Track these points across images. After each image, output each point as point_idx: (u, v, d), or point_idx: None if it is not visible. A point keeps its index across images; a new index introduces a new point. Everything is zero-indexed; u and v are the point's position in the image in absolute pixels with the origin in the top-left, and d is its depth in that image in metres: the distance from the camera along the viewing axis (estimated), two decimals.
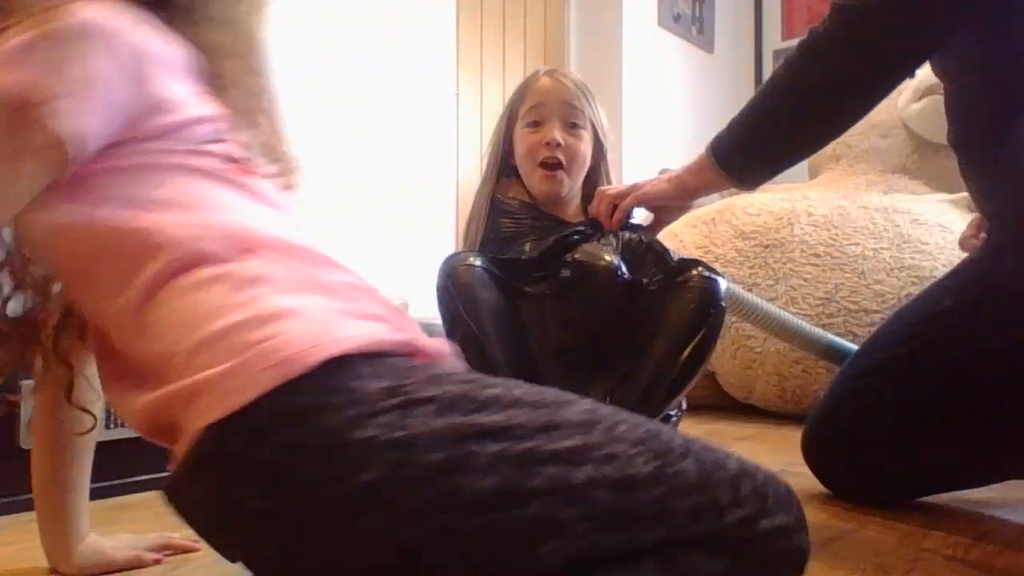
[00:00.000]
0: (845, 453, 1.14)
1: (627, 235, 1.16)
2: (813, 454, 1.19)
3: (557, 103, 1.18)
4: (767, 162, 1.11)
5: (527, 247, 1.16)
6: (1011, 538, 1.00)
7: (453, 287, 1.09)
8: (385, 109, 2.57)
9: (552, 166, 1.18)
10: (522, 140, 1.20)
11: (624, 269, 1.11)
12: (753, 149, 1.11)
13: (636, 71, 3.60)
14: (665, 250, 1.17)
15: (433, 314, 1.97)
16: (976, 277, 1.03)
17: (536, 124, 1.19)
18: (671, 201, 1.18)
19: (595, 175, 1.25)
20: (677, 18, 3.92)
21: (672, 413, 1.19)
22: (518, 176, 1.23)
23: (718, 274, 1.12)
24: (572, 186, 1.21)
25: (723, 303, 1.10)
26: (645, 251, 1.16)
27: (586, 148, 1.20)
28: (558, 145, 1.17)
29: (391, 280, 2.23)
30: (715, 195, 2.59)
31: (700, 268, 1.11)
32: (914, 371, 1.05)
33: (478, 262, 1.10)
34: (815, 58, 1.03)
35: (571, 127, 1.19)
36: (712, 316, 1.09)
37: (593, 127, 1.21)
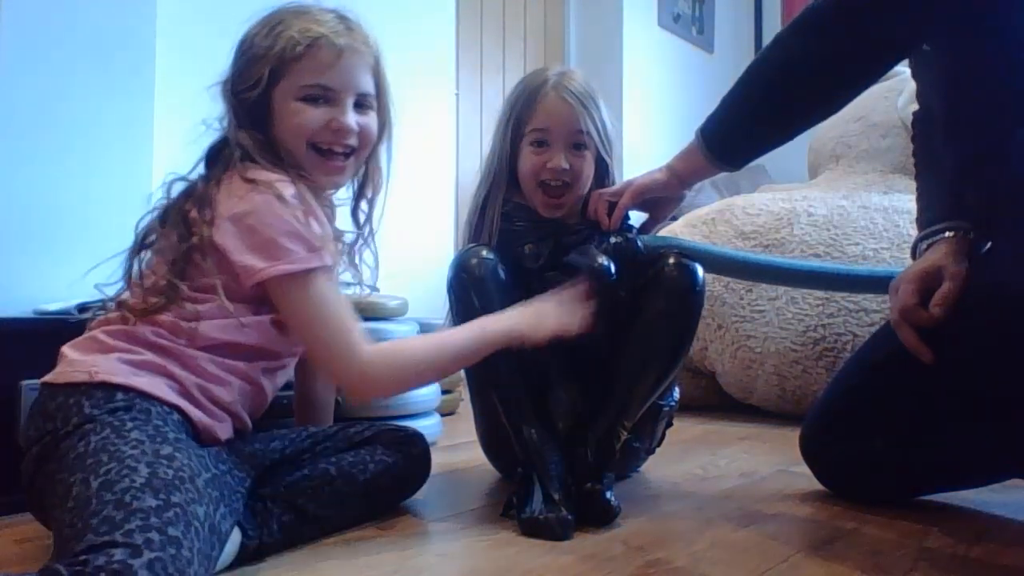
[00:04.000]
0: (843, 452, 1.14)
1: (615, 239, 1.16)
2: (811, 453, 1.19)
3: (564, 130, 1.17)
4: (748, 138, 1.10)
5: (527, 249, 1.16)
6: (1011, 538, 1.00)
7: (467, 280, 1.09)
8: None
9: (556, 190, 1.18)
10: (527, 158, 1.19)
11: (614, 270, 1.11)
12: (736, 125, 1.10)
13: (636, 71, 3.60)
14: (641, 248, 1.16)
15: (432, 313, 1.97)
16: (974, 277, 1.02)
17: (541, 144, 1.18)
18: (664, 190, 1.17)
19: (600, 182, 1.24)
20: (677, 18, 3.92)
21: (663, 404, 1.19)
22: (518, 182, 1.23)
23: (691, 257, 1.12)
24: (573, 201, 1.21)
25: (699, 288, 1.11)
26: (632, 253, 1.16)
27: (590, 167, 1.20)
28: (565, 171, 1.17)
29: (390, 279, 2.22)
30: (715, 196, 2.60)
31: (672, 257, 1.11)
32: (913, 370, 1.05)
33: (490, 256, 1.11)
34: (802, 33, 1.03)
35: (576, 148, 1.18)
36: (690, 302, 1.10)
37: (598, 142, 1.20)
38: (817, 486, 1.19)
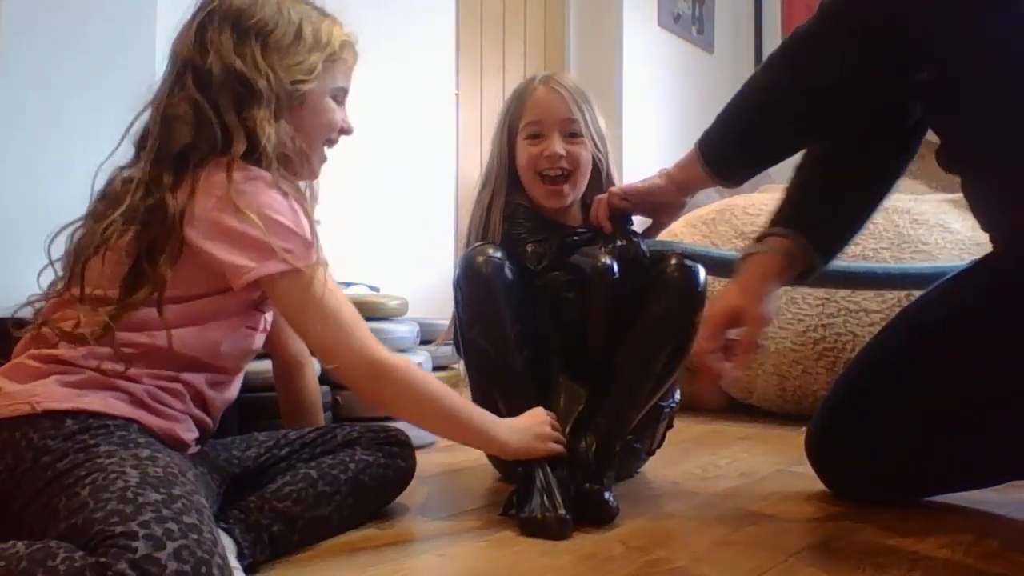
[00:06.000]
0: (850, 453, 1.14)
1: (619, 243, 1.17)
2: (817, 453, 1.18)
3: (556, 119, 1.19)
4: (746, 160, 1.10)
5: (529, 250, 1.17)
6: (1011, 538, 1.00)
7: (474, 278, 1.10)
8: (385, 109, 2.57)
9: (555, 179, 1.19)
10: (523, 151, 1.21)
11: (616, 269, 1.11)
12: (733, 147, 1.10)
13: (636, 71, 3.60)
14: (644, 252, 1.17)
15: (431, 313, 1.97)
16: (998, 279, 1.01)
17: (536, 136, 1.20)
18: (661, 196, 1.17)
19: (596, 181, 1.24)
20: (677, 18, 3.92)
21: (664, 405, 1.19)
22: (519, 182, 1.23)
23: (693, 260, 1.13)
24: (576, 195, 1.22)
25: (701, 289, 1.11)
26: (635, 256, 1.17)
27: (587, 155, 1.21)
28: (561, 157, 1.18)
29: (390, 279, 2.22)
30: (716, 195, 2.60)
31: (675, 259, 1.12)
32: (927, 370, 1.04)
33: (497, 254, 1.12)
34: (792, 60, 1.02)
35: (571, 136, 1.19)
36: (692, 303, 1.11)
37: (591, 136, 1.21)
38: (817, 486, 1.19)
